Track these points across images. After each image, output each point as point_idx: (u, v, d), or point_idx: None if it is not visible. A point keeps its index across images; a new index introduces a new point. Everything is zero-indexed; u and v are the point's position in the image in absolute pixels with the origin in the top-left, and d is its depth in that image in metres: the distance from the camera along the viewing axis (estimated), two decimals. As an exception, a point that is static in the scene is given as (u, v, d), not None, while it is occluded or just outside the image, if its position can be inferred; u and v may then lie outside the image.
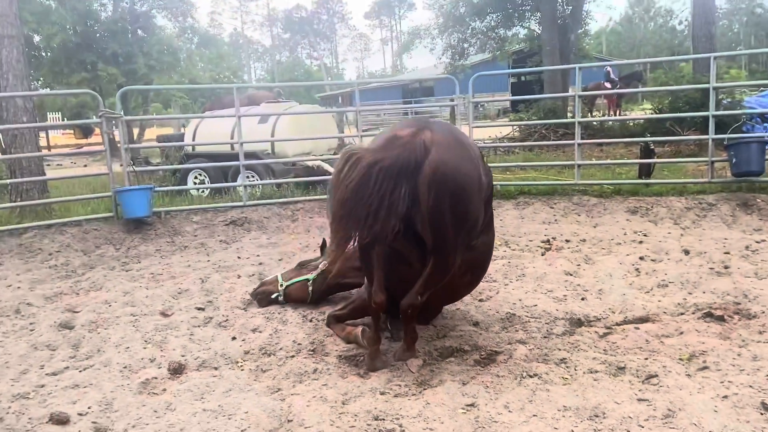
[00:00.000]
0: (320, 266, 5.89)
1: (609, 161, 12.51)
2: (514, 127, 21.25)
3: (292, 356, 4.85)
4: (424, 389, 4.17)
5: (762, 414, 3.63)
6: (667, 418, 3.61)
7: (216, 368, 4.74)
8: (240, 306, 6.09)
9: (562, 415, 3.76)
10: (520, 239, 8.06)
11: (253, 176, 12.59)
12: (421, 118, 4.43)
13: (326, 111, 16.91)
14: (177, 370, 4.69)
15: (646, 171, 10.34)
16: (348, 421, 3.77)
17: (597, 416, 3.71)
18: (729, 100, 19.87)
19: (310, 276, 5.92)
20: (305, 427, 3.76)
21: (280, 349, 5.01)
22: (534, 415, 3.76)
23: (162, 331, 5.48)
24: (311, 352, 4.92)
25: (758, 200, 8.53)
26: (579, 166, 9.95)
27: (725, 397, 3.82)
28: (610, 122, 21.35)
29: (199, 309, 6.04)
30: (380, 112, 40.73)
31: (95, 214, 9.34)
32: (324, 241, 6.14)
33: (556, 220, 8.95)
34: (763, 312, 5.19)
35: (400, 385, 4.26)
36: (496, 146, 16.22)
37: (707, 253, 7.02)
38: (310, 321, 5.60)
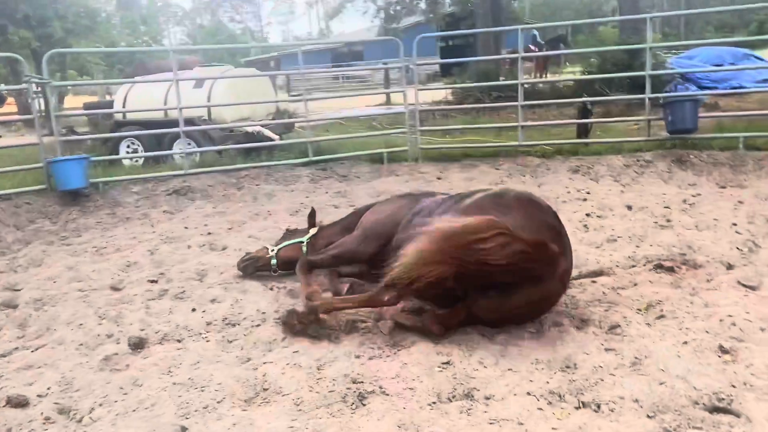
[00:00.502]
0: (311, 232, 5.78)
1: (552, 122, 12.73)
2: (449, 90, 21.41)
3: (258, 325, 4.75)
4: (399, 350, 4.19)
5: (720, 356, 3.84)
6: (635, 366, 3.76)
7: (179, 341, 4.60)
8: (195, 277, 5.90)
9: (535, 368, 3.85)
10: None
11: (189, 144, 12.15)
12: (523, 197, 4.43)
13: (265, 74, 16.41)
14: (138, 345, 4.52)
15: (584, 131, 10.65)
16: (327, 386, 3.74)
17: (569, 367, 3.83)
18: (654, 61, 20.68)
19: (303, 238, 5.75)
20: (283, 395, 3.71)
21: (245, 318, 4.90)
22: (509, 369, 3.84)
23: (116, 306, 5.25)
24: (278, 321, 4.83)
25: (692, 156, 8.95)
26: (522, 127, 10.12)
27: (685, 342, 4.01)
28: (541, 85, 21.67)
29: (151, 281, 5.82)
30: (312, 77, 40.11)
31: (24, 186, 8.78)
32: (312, 210, 5.97)
33: (502, 181, 9.10)
34: (708, 261, 5.47)
35: (373, 348, 4.26)
36: (441, 109, 16.17)
37: (649, 207, 7.32)
38: (271, 290, 5.50)
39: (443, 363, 3.96)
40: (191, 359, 4.23)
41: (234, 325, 4.80)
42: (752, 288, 4.88)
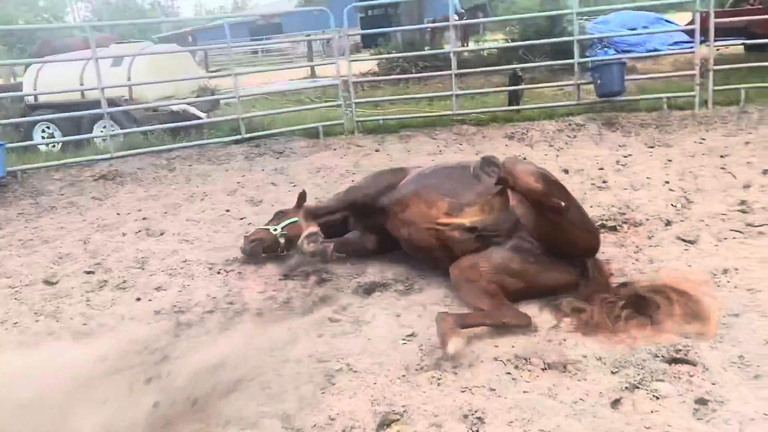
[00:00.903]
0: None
1: (486, 90, 12.85)
2: (375, 62, 21.25)
3: (211, 311, 4.58)
4: (360, 326, 4.14)
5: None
6: (594, 323, 3.86)
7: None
8: (135, 265, 5.62)
9: (497, 333, 3.89)
10: (410, 171, 8.13)
11: (112, 125, 11.51)
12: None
13: (186, 49, 15.72)
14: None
15: (515, 98, 10.80)
16: (293, 368, 3.65)
17: (531, 330, 3.89)
18: (572, 27, 21.18)
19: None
20: (248, 381, 3.59)
21: (195, 305, 4.71)
22: (474, 336, 3.86)
23: (52, 301, 4.94)
24: (230, 304, 4.68)
25: (620, 118, 9.24)
26: (457, 96, 10.14)
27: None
28: (466, 54, 21.76)
29: (88, 273, 5.50)
30: (230, 52, 38.82)
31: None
32: (303, 192, 5.68)
33: (440, 151, 9.12)
34: (647, 219, 5.67)
35: (333, 326, 4.19)
36: (372, 80, 15.98)
37: (584, 170, 7.53)
38: (218, 273, 5.31)
39: (408, 335, 3.94)
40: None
41: (184, 312, 4.61)
42: (691, 242, 5.10)
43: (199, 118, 11.76)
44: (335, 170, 8.43)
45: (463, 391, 3.30)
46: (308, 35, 27.64)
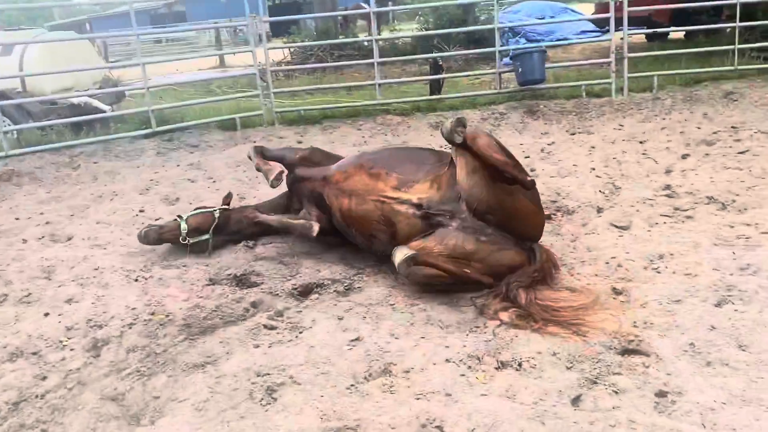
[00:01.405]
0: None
1: (409, 79, 12.71)
2: (291, 50, 20.73)
3: (131, 324, 4.14)
4: (300, 333, 3.86)
5: (615, 298, 3.97)
6: (542, 317, 3.76)
7: (36, 354, 3.87)
8: (40, 275, 5.05)
9: (446, 333, 3.73)
10: (336, 163, 7.85)
11: (4, 121, 10.51)
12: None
13: (84, 37, 14.61)
14: (-19, 366, 3.75)
15: (437, 87, 10.71)
16: (229, 385, 3.33)
17: (479, 327, 3.75)
18: (485, 16, 21.53)
19: (215, 207, 5.44)
20: (179, 401, 3.25)
21: (112, 318, 4.25)
22: (421, 338, 3.68)
23: (-59, 322, 4.34)
24: (152, 315, 4.25)
25: (541, 106, 9.33)
26: (380, 85, 9.93)
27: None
28: (381, 42, 21.46)
29: (-16, 287, 4.90)
30: (130, 41, 36.95)
31: None
32: (229, 195, 5.64)
33: (366, 141, 8.89)
34: (579, 207, 5.69)
35: (270, 334, 3.89)
36: (290, 69, 15.46)
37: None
38: (136, 280, 4.86)
39: (352, 340, 3.70)
40: (57, 376, 3.58)
41: (101, 327, 4.15)
42: (624, 228, 5.14)
43: (102, 111, 10.94)
44: (257, 164, 8.01)
45: (418, 399, 3.10)
46: (216, 23, 26.55)
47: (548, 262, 4.14)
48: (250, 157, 5.47)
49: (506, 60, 10.83)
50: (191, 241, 5.19)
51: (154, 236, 5.16)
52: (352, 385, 3.27)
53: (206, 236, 5.25)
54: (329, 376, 3.35)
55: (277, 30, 32.45)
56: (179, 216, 5.31)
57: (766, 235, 4.66)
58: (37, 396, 3.41)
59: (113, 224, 6.16)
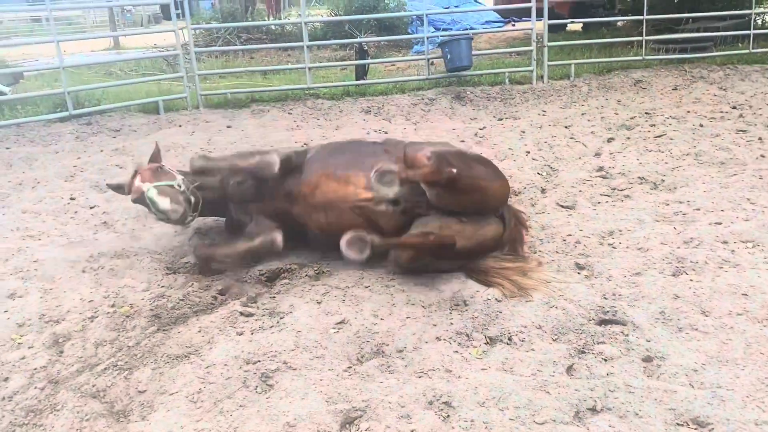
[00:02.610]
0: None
1: (337, 63, 12.60)
2: (196, 32, 19.94)
3: (93, 317, 3.90)
4: (281, 318, 3.78)
5: (579, 273, 4.18)
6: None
7: (-13, 354, 3.56)
8: (-30, 270, 4.63)
9: (429, 311, 3.79)
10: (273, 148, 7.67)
11: None
12: None
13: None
14: (-75, 371, 3.40)
15: (362, 71, 10.71)
16: (221, 374, 3.22)
17: (459, 305, 3.83)
18: (394, 4, 21.71)
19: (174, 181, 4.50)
20: (170, 394, 3.11)
21: (68, 311, 3.98)
22: (407, 318, 3.71)
23: None
24: (113, 307, 4.02)
25: (468, 92, 9.57)
26: (310, 69, 9.78)
27: (545, 263, 4.30)
28: (289, 27, 21.07)
29: None
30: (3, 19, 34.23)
31: None
32: (156, 147, 4.99)
33: (298, 126, 8.74)
34: (524, 188, 5.92)
35: (248, 321, 3.79)
36: (218, 50, 14.76)
37: (447, 143, 7.66)
38: (84, 272, 4.56)
39: (337, 323, 3.68)
40: (18, 377, 3.31)
41: (58, 322, 3.87)
42: (570, 208, 5.42)
43: (2, 93, 10.06)
44: (188, 149, 7.68)
45: (420, 377, 3.14)
46: (110, 1, 24.88)
47: (516, 226, 4.35)
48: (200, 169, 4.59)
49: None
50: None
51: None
52: (349, 367, 3.26)
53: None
54: (324, 360, 3.32)
55: (167, 13, 30.95)
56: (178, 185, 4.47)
57: (699, 211, 5.07)
58: (3, 398, 3.14)
59: (43, 213, 5.73)
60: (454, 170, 3.81)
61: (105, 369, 3.37)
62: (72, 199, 6.07)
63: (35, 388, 3.22)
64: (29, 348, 3.60)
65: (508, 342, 3.40)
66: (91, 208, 5.85)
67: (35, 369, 3.39)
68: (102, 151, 7.71)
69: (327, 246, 4.42)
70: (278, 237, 4.43)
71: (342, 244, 3.74)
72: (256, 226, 4.63)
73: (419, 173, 3.85)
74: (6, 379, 3.30)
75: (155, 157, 4.86)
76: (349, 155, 4.55)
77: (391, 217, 4.14)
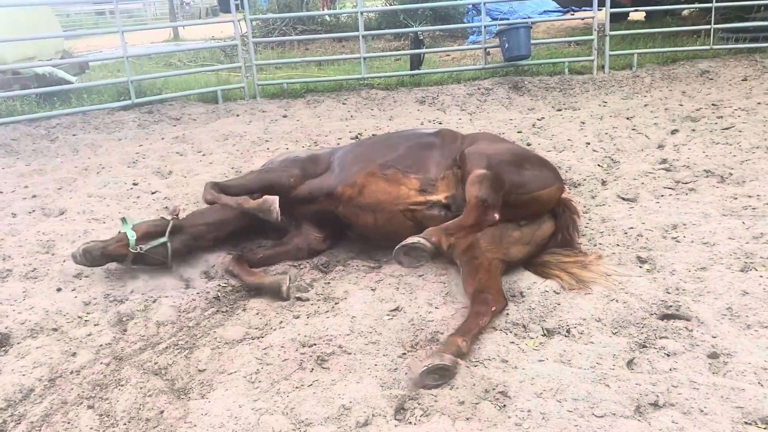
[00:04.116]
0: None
1: (392, 53, 12.61)
2: (253, 23, 20.28)
3: (155, 299, 4.01)
4: (336, 303, 3.81)
5: (641, 267, 4.06)
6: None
7: (56, 329, 3.72)
8: (41, 250, 4.83)
9: (484, 301, 3.74)
10: (327, 138, 7.75)
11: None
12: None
13: (46, 2, 13.86)
14: (1, 342, 3.59)
15: (417, 62, 10.66)
16: (278, 355, 3.28)
17: (515, 296, 3.77)
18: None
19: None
20: (229, 373, 3.17)
21: (131, 292, 4.12)
22: (462, 307, 3.67)
23: (-57, 299, 4.10)
24: (185, 290, 4.13)
25: (526, 82, 9.41)
26: (365, 59, 9.80)
27: (604, 257, 4.19)
28: (343, 18, 21.13)
29: (-19, 262, 4.65)
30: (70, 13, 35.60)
31: None
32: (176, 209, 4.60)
33: (352, 116, 8.78)
34: (584, 180, 5.78)
35: (304, 305, 3.84)
36: (275, 41, 15.00)
37: (505, 133, 7.56)
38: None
39: (391, 310, 3.68)
40: (85, 353, 3.45)
41: (122, 302, 4.01)
42: (632, 201, 5.26)
43: (69, 82, 10.47)
44: (245, 137, 7.83)
45: (475, 366, 3.11)
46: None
47: (568, 214, 4.21)
48: (211, 201, 4.21)
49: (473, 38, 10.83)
50: (145, 249, 4.15)
51: (96, 254, 4.06)
52: (403, 354, 3.26)
53: (162, 239, 4.22)
54: (378, 346, 3.32)
55: (225, 6, 31.49)
56: (123, 219, 4.33)
57: (770, 206, 4.84)
58: (72, 372, 3.28)
59: (107, 198, 5.93)
60: (496, 216, 3.64)
61: (166, 348, 3.47)
62: (135, 184, 6.27)
63: (101, 363, 3.34)
64: (95, 325, 3.75)
65: (567, 334, 3.33)
66: (152, 193, 6.02)
67: (101, 345, 3.52)
68: (163, 138, 7.93)
69: (376, 245, 4.41)
70: (284, 286, 3.90)
71: (397, 252, 3.37)
72: (299, 237, 4.50)
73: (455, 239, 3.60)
74: (74, 354, 3.44)
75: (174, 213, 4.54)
76: (398, 150, 4.35)
77: (442, 220, 4.06)
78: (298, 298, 3.91)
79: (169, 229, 4.27)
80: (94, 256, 4.07)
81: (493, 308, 3.46)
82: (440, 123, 8.28)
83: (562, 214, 4.19)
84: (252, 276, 4.04)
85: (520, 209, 3.94)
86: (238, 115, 8.91)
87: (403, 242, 3.37)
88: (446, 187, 4.11)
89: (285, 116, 8.82)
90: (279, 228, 4.52)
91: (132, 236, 4.16)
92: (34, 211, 5.70)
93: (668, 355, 3.09)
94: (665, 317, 3.43)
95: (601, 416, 2.65)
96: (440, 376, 2.95)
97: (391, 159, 4.28)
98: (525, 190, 3.91)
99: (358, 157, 4.42)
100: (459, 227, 3.58)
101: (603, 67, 9.72)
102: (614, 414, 2.65)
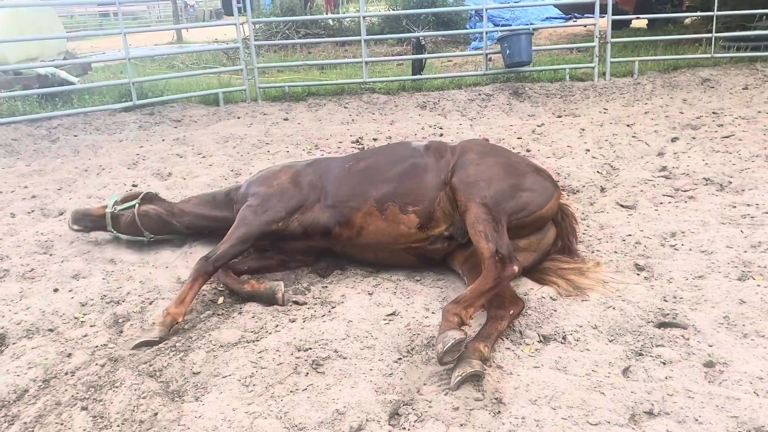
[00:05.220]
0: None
1: (394, 57, 12.62)
2: (256, 26, 20.32)
3: (151, 301, 4.01)
4: (333, 307, 3.80)
5: (638, 274, 4.06)
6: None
7: (52, 330, 3.72)
8: (38, 250, 4.84)
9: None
10: (328, 141, 7.76)
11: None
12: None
13: (50, 3, 13.90)
14: (-3, 342, 3.58)
15: (418, 66, 10.68)
16: (273, 358, 3.26)
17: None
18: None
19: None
20: (223, 377, 3.16)
21: (128, 293, 4.12)
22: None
23: (-59, 298, 4.10)
24: (169, 292, 4.13)
25: (527, 88, 9.41)
26: (367, 63, 9.82)
27: (603, 263, 4.18)
28: (346, 21, 21.20)
29: (-21, 261, 4.65)
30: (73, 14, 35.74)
31: None
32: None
33: (353, 120, 8.79)
34: (583, 186, 5.78)
35: (301, 309, 3.83)
36: (277, 44, 15.05)
37: (504, 139, 7.57)
38: (144, 257, 4.69)
39: (388, 315, 3.68)
40: (81, 354, 3.44)
41: (119, 303, 4.01)
42: (631, 208, 5.26)
43: (71, 83, 10.49)
44: (246, 140, 7.84)
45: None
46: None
47: (566, 220, 4.20)
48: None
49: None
50: (118, 210, 4.64)
51: (79, 215, 4.69)
52: (399, 359, 3.25)
53: (133, 202, 4.65)
54: (374, 350, 3.31)
55: (229, 9, 31.61)
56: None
57: (768, 215, 4.84)
58: (66, 373, 3.27)
59: (106, 198, 5.92)
60: (516, 269, 3.47)
61: (162, 350, 3.46)
62: (134, 185, 6.28)
63: (96, 364, 3.33)
64: (91, 326, 3.74)
65: (563, 341, 3.32)
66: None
67: (96, 347, 3.51)
68: (163, 140, 7.94)
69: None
70: (279, 294, 3.88)
71: (439, 357, 2.98)
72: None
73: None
74: (69, 355, 3.43)
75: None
76: (390, 179, 4.13)
77: (445, 251, 4.04)
78: (295, 302, 3.91)
79: (141, 195, 4.72)
80: (78, 216, 4.71)
81: (511, 311, 3.45)
82: (441, 128, 8.29)
83: (561, 221, 4.19)
84: (245, 285, 4.00)
85: (523, 230, 3.92)
86: (239, 118, 8.92)
87: (438, 348, 2.99)
88: (444, 216, 3.96)
89: (286, 119, 8.83)
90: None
91: (113, 200, 4.74)
92: (33, 211, 5.71)
93: (664, 364, 3.08)
94: (662, 325, 3.43)
95: (596, 424, 2.64)
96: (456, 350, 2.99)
97: (386, 192, 4.07)
98: (527, 212, 3.84)
99: (353, 188, 4.17)
100: (479, 295, 3.33)
101: (604, 74, 9.73)
102: (609, 422, 2.64)
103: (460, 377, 2.93)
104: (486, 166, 3.96)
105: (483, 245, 3.50)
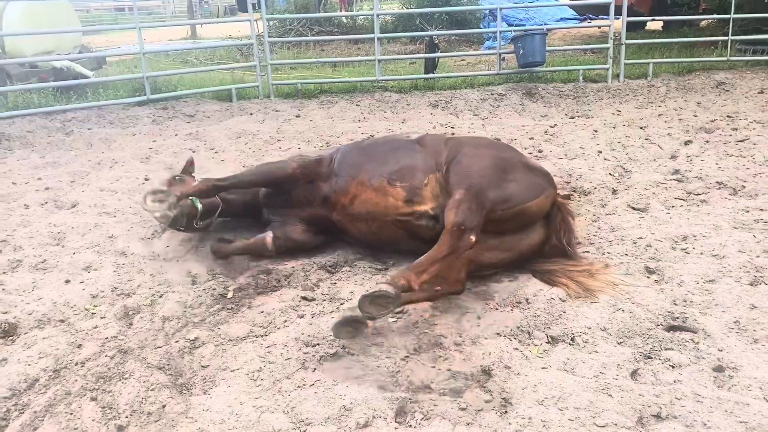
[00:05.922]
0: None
1: (407, 56, 12.62)
2: (270, 23, 20.36)
3: (162, 294, 4.04)
4: (341, 304, 3.82)
5: (649, 277, 4.03)
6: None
7: (63, 321, 3.75)
8: (51, 242, 4.88)
9: (489, 307, 3.73)
10: (339, 139, 7.76)
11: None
12: None
13: None
14: (8, 332, 3.61)
15: (431, 65, 10.66)
16: (281, 353, 3.28)
17: (520, 303, 3.75)
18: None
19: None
20: (231, 370, 3.19)
21: (139, 286, 4.15)
22: (466, 312, 3.67)
23: (-46, 288, 4.15)
24: (192, 286, 4.15)
25: (540, 89, 9.37)
26: (380, 61, 9.82)
27: (613, 265, 4.16)
28: (360, 20, 21.15)
29: (-7, 251, 4.70)
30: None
31: None
32: (191, 160, 5.16)
33: (365, 118, 8.79)
34: (595, 188, 5.75)
35: (309, 305, 3.84)
36: (292, 41, 15.07)
37: (516, 139, 7.54)
38: (155, 249, 4.72)
39: (396, 313, 3.67)
40: (91, 345, 3.47)
41: (129, 295, 4.04)
42: (642, 210, 5.22)
43: (86, 77, 10.57)
44: (258, 136, 7.87)
45: (478, 371, 3.10)
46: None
47: (563, 217, 4.22)
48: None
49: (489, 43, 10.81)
50: (201, 224, 4.62)
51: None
52: (406, 357, 3.26)
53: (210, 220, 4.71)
54: (382, 348, 3.33)
55: (243, 5, 31.67)
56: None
57: (783, 220, 4.79)
58: (77, 363, 3.30)
59: (119, 192, 5.97)
60: (473, 239, 3.59)
61: (170, 343, 3.49)
62: (146, 179, 6.32)
63: (106, 356, 3.36)
64: (101, 318, 3.77)
65: (571, 342, 3.31)
66: (164, 188, 6.05)
67: (106, 338, 3.54)
68: (176, 135, 7.98)
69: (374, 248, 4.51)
70: (269, 239, 4.40)
71: (361, 302, 3.23)
72: (280, 226, 4.61)
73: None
74: (80, 346, 3.47)
75: (188, 167, 5.04)
76: (383, 158, 4.39)
77: (429, 230, 4.08)
78: (304, 298, 3.92)
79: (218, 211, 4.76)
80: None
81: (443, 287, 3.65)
82: (452, 127, 8.27)
83: (554, 218, 4.18)
84: (236, 243, 4.46)
85: (507, 223, 3.96)
86: (251, 114, 8.95)
87: (366, 292, 3.28)
88: (432, 196, 4.12)
89: (298, 116, 8.85)
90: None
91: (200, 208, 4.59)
92: (46, 203, 5.75)
93: (673, 367, 3.06)
94: (671, 329, 3.41)
95: (603, 426, 2.64)
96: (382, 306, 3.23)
97: (377, 166, 4.35)
98: (510, 204, 3.90)
99: (352, 163, 4.49)
100: (432, 261, 3.50)
101: (618, 75, 9.68)
102: (616, 424, 2.64)
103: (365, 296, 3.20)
104: (478, 158, 4.13)
105: (450, 217, 3.66)
